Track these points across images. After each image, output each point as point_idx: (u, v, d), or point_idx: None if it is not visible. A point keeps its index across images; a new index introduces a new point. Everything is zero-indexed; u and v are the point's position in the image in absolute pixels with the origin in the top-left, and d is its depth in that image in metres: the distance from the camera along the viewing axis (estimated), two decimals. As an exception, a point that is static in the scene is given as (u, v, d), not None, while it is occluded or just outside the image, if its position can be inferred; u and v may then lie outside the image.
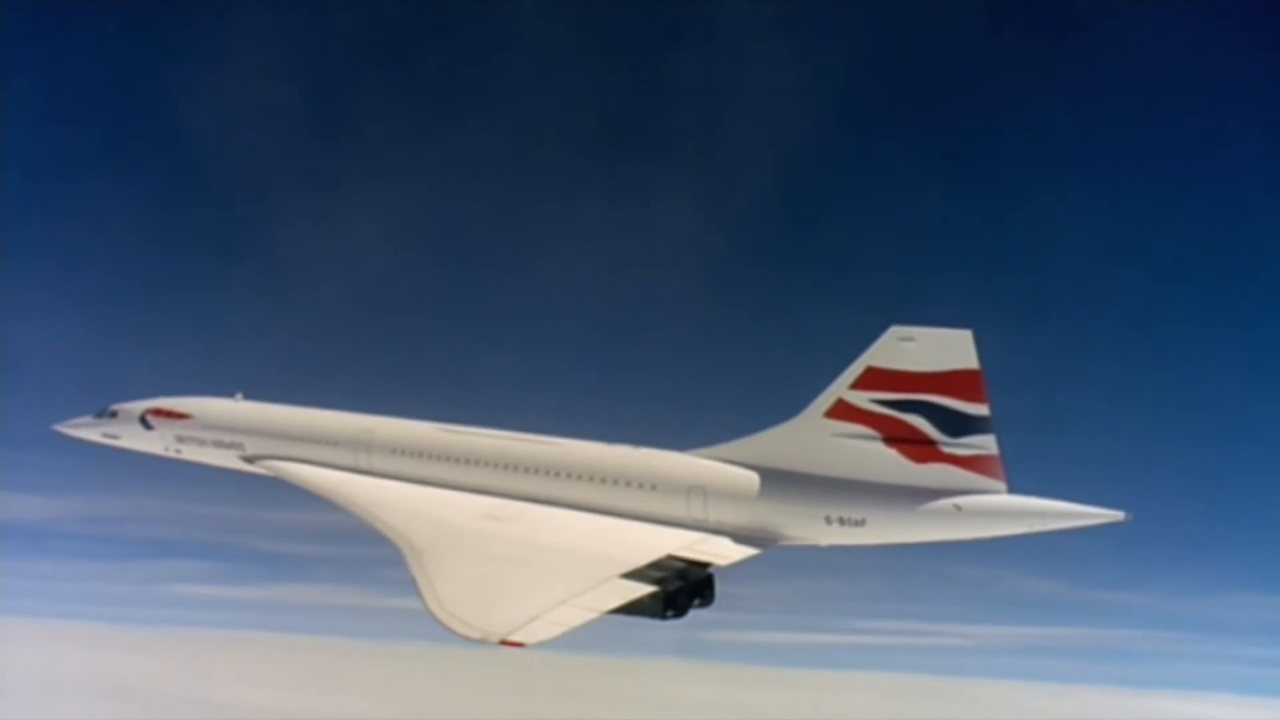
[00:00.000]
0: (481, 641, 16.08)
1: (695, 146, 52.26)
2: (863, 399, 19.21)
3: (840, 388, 19.47)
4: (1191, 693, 49.68)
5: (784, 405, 20.66)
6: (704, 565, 19.16)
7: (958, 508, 18.38)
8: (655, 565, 18.67)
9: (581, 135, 53.15)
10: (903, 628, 50.69)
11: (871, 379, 19.09)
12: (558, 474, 22.45)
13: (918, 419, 18.79)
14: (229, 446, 28.21)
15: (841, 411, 19.47)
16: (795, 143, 49.71)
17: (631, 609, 17.56)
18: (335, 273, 52.24)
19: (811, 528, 19.64)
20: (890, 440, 19.05)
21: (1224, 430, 46.64)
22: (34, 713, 45.28)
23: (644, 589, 17.80)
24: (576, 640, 16.59)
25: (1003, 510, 18.30)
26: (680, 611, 18.45)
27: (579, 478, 22.14)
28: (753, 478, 20.33)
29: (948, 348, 18.30)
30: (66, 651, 51.97)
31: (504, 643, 15.90)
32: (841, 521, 19.24)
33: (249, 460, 27.80)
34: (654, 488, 21.17)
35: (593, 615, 16.80)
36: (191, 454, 29.42)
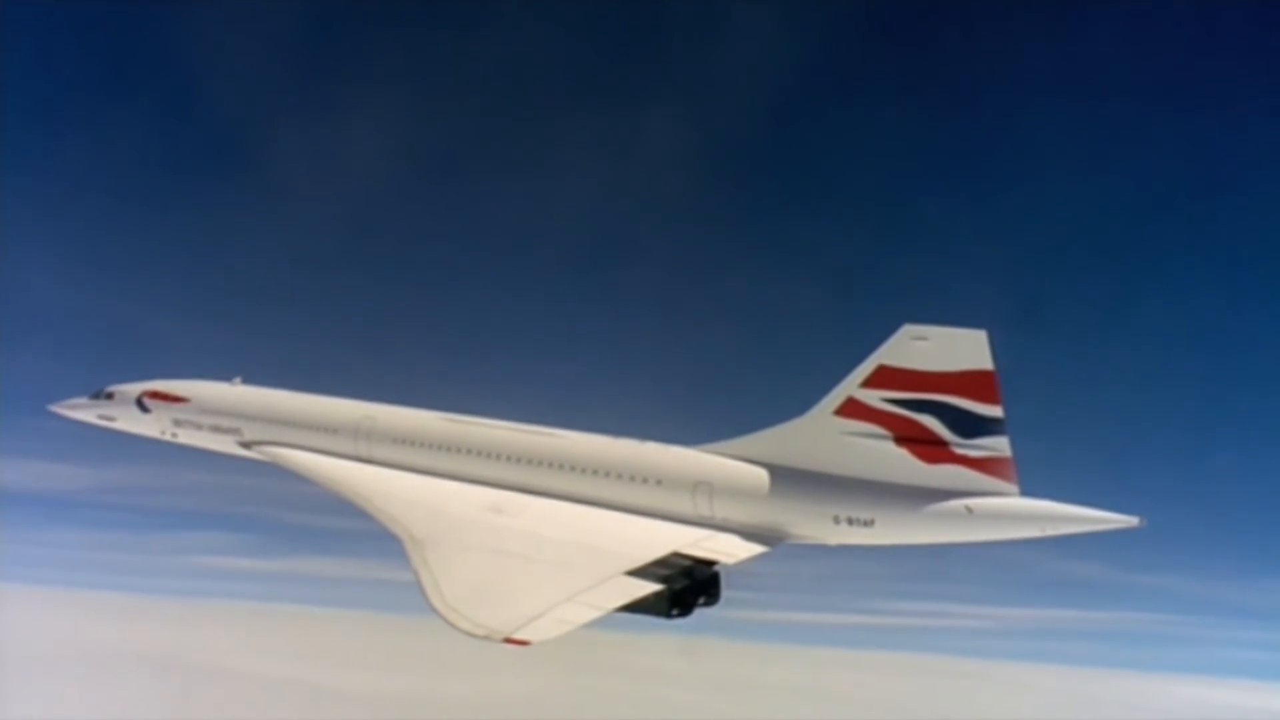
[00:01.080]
0: (485, 639, 15.87)
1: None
2: (874, 397, 18.95)
3: (851, 386, 19.20)
4: (1231, 680, 50.24)
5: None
6: (710, 563, 18.93)
7: (969, 510, 18.15)
8: (660, 563, 18.42)
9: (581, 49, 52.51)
10: (938, 609, 51.02)
11: (883, 377, 18.82)
12: (562, 467, 22.17)
13: (929, 419, 18.53)
14: (226, 431, 27.88)
15: (852, 410, 19.20)
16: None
17: (637, 607, 17.36)
18: (330, 188, 52.15)
19: (819, 527, 19.39)
20: (901, 440, 18.80)
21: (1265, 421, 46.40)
22: (54, 682, 45.38)
23: (650, 587, 17.57)
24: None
25: (1014, 513, 18.06)
26: (686, 610, 18.26)
27: (583, 471, 21.85)
28: (760, 475, 20.07)
29: (962, 348, 18.02)
30: (88, 622, 52.32)
31: (508, 641, 15.69)
32: (850, 521, 18.99)
33: (246, 446, 27.49)
34: (659, 483, 20.91)
35: (598, 614, 16.57)
36: (188, 438, 29.09)
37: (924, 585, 47.57)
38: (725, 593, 19.42)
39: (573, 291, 52.45)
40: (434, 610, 16.71)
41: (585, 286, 52.92)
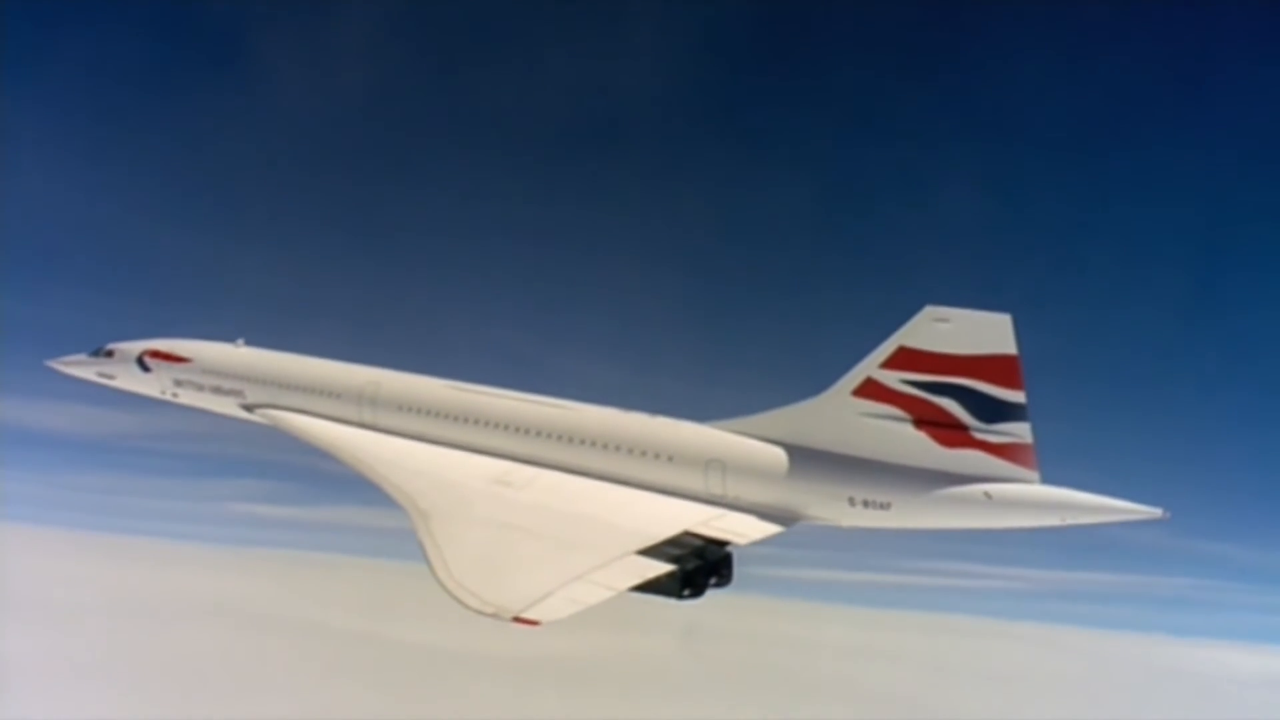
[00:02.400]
0: (493, 617, 15.57)
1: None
2: (893, 379, 18.54)
3: (870, 366, 18.79)
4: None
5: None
6: (722, 543, 18.60)
7: (988, 495, 17.80)
8: (672, 542, 18.08)
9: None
10: (993, 571, 50.98)
11: (903, 359, 18.40)
12: (570, 440, 21.76)
13: (949, 402, 18.13)
14: (228, 393, 27.48)
15: (870, 391, 18.80)
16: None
17: (648, 588, 17.04)
18: (319, 84, 52.41)
19: (833, 508, 19.04)
20: (920, 423, 18.42)
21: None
22: (86, 626, 45.42)
23: (661, 567, 17.24)
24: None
25: (1034, 501, 17.71)
26: (698, 591, 17.91)
27: (592, 444, 21.46)
28: (775, 454, 19.69)
29: (985, 331, 17.59)
30: (121, 566, 52.47)
31: (517, 620, 15.39)
32: (866, 504, 18.66)
33: (248, 409, 27.11)
34: (671, 459, 20.53)
35: (609, 594, 16.27)
36: (189, 399, 28.69)
37: (975, 547, 47.86)
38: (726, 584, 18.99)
39: (559, 182, 52.84)
40: (441, 586, 16.42)
41: (572, 177, 53.25)
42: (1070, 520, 17.53)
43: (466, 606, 15.78)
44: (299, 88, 50.75)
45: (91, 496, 55.80)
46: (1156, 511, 17.21)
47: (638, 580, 16.83)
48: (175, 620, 47.66)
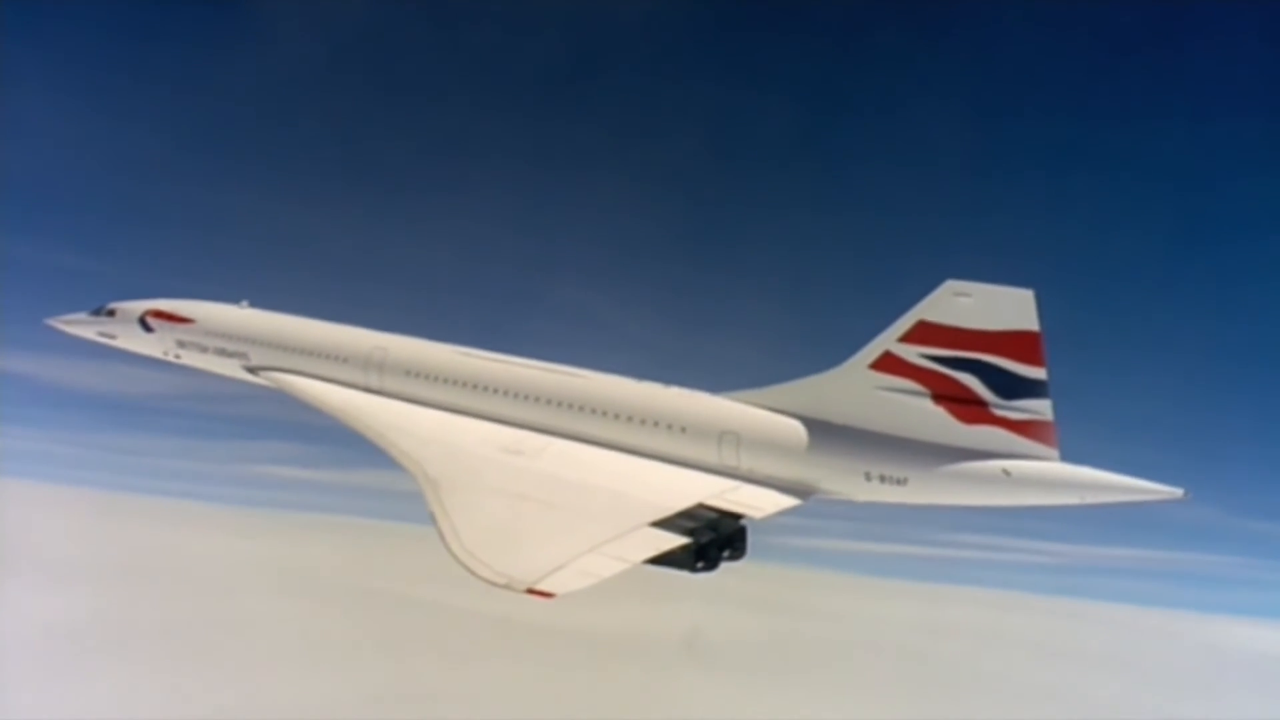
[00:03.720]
0: (506, 589, 15.40)
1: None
2: (912, 353, 18.27)
3: (888, 340, 18.52)
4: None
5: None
6: (736, 516, 18.41)
7: (1006, 473, 17.60)
8: (686, 514, 17.91)
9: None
10: (1046, 549, 51.77)
11: (922, 333, 18.13)
12: (582, 408, 21.48)
13: (969, 378, 17.89)
14: (232, 355, 27.11)
15: (888, 364, 18.54)
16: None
17: (662, 560, 16.88)
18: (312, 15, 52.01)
19: (849, 483, 18.84)
20: (939, 398, 18.17)
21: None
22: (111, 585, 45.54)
23: (675, 540, 17.08)
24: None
25: (1054, 479, 17.51)
26: (711, 564, 17.76)
27: (605, 414, 21.17)
28: (790, 426, 19.44)
29: (1007, 306, 17.33)
30: (148, 526, 52.56)
31: (531, 592, 15.22)
32: (882, 479, 18.45)
33: (252, 371, 26.77)
34: (684, 430, 20.28)
35: (623, 566, 16.11)
36: (191, 360, 28.32)
37: (1027, 523, 48.58)
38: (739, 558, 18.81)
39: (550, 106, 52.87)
40: (452, 556, 16.23)
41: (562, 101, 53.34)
42: (1090, 499, 17.34)
43: (478, 577, 15.60)
44: (295, 26, 50.09)
45: (114, 456, 55.91)
46: (1177, 492, 17.01)
47: (651, 553, 16.69)
48: (236, 587, 47.73)
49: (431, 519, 17.40)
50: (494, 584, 15.42)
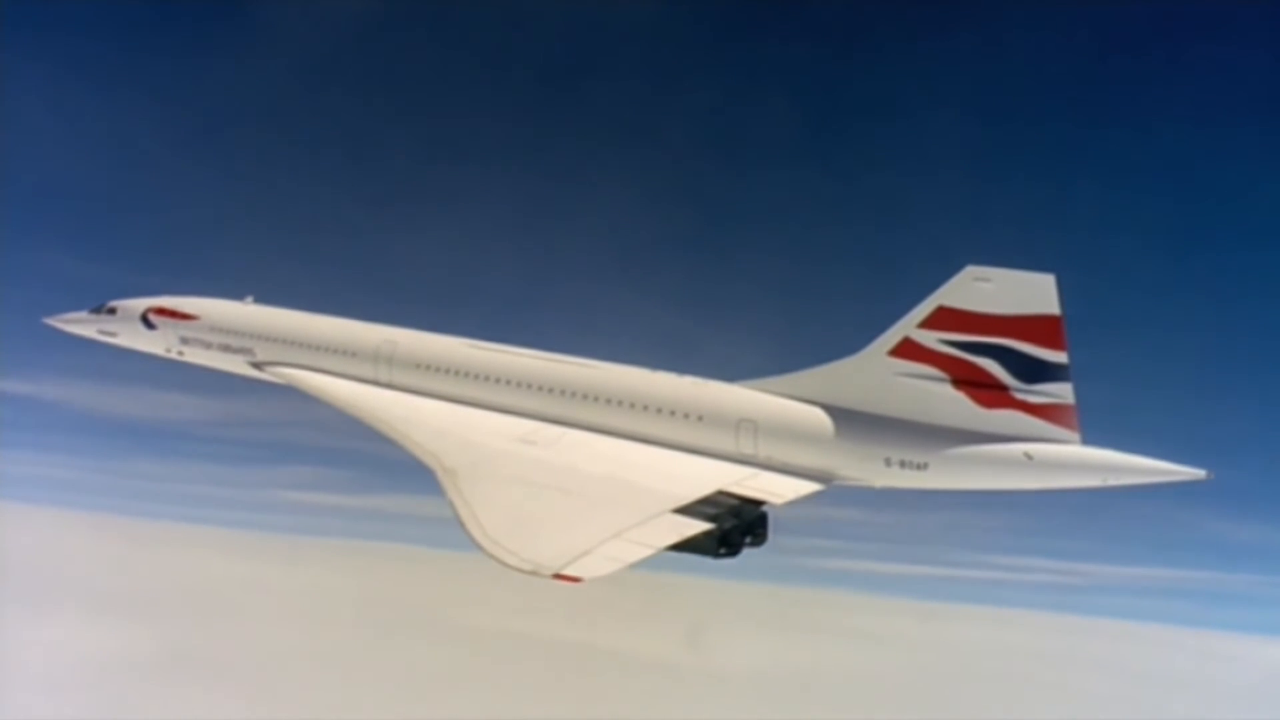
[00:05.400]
0: (532, 575, 15.24)
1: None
2: (931, 339, 18.27)
3: (908, 326, 18.51)
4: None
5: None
6: (757, 503, 18.33)
7: (1028, 456, 17.59)
8: (707, 501, 17.82)
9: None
10: (1079, 569, 50.85)
11: (942, 319, 18.13)
12: (596, 398, 21.38)
13: (989, 362, 17.89)
14: (238, 351, 26.92)
15: (907, 350, 18.53)
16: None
17: (686, 546, 16.76)
18: (312, 18, 51.10)
19: (868, 468, 18.81)
20: (959, 383, 18.16)
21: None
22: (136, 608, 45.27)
23: (698, 525, 16.97)
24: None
25: (1075, 462, 17.50)
26: (733, 550, 17.66)
27: (619, 403, 21.09)
28: (807, 412, 19.41)
29: (1027, 291, 17.35)
30: (176, 552, 52.22)
31: (558, 577, 15.07)
32: (903, 464, 18.42)
33: (258, 366, 26.55)
34: (700, 418, 20.20)
35: (649, 552, 15.99)
36: (195, 356, 28.12)
37: (1062, 543, 47.84)
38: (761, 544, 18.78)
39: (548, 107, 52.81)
40: (474, 543, 16.07)
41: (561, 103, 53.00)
42: (1112, 481, 17.35)
43: (503, 564, 15.44)
44: (297, 27, 50.02)
45: (137, 483, 55.64)
46: (1200, 472, 17.05)
47: (675, 538, 16.56)
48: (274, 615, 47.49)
49: (451, 508, 17.25)
50: (520, 570, 15.26)
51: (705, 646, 45.44)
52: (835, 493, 19.21)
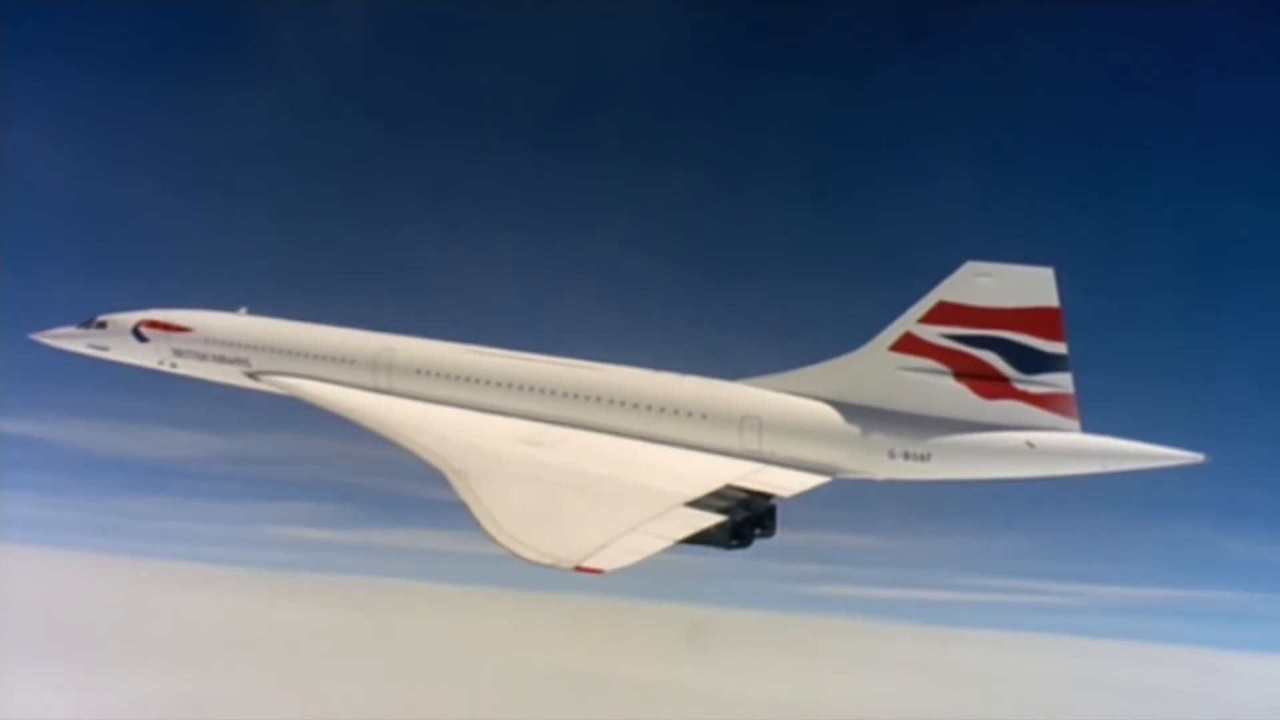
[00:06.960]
0: (553, 568, 15.40)
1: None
2: (933, 333, 18.69)
3: (909, 321, 18.93)
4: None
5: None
6: (766, 496, 18.63)
7: (1030, 445, 18.01)
8: (717, 495, 18.11)
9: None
10: (1093, 591, 51.48)
11: (943, 313, 18.57)
12: (599, 399, 21.59)
13: (990, 355, 18.34)
14: (233, 362, 26.83)
15: (909, 345, 18.94)
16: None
17: (700, 539, 17.02)
18: (312, 60, 52.21)
19: (872, 461, 19.16)
20: (960, 375, 18.58)
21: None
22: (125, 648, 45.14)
23: (711, 518, 17.26)
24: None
25: (1076, 450, 17.96)
26: (745, 542, 17.98)
27: (623, 404, 21.32)
28: (810, 408, 19.76)
29: (1027, 285, 17.83)
30: (166, 592, 51.74)
31: (579, 569, 15.25)
32: (906, 455, 18.78)
33: (254, 376, 26.48)
34: (704, 416, 20.48)
35: (666, 544, 16.26)
36: (189, 369, 27.98)
37: (1080, 565, 48.69)
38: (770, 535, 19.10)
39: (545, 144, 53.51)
40: (492, 539, 16.21)
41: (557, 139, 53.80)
42: (1112, 467, 17.80)
43: (524, 559, 15.60)
44: (296, 54, 50.30)
45: (132, 522, 55.48)
46: (1198, 456, 17.53)
47: (691, 531, 16.82)
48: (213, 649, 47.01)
49: (465, 509, 17.38)
50: (540, 564, 15.44)
51: (717, 670, 45.64)
52: (839, 501, 19.52)
